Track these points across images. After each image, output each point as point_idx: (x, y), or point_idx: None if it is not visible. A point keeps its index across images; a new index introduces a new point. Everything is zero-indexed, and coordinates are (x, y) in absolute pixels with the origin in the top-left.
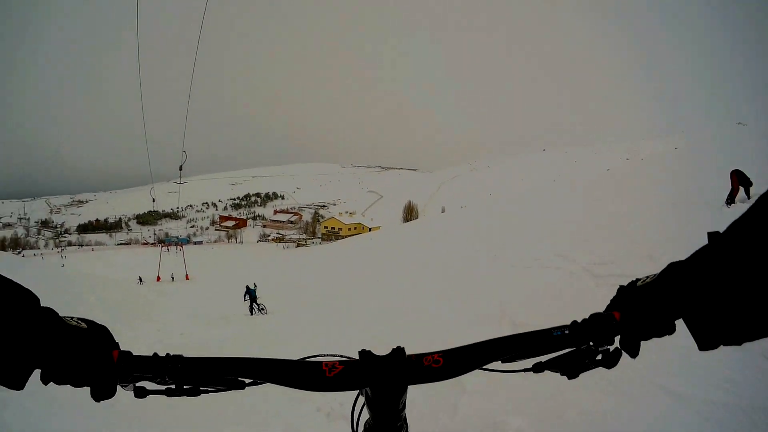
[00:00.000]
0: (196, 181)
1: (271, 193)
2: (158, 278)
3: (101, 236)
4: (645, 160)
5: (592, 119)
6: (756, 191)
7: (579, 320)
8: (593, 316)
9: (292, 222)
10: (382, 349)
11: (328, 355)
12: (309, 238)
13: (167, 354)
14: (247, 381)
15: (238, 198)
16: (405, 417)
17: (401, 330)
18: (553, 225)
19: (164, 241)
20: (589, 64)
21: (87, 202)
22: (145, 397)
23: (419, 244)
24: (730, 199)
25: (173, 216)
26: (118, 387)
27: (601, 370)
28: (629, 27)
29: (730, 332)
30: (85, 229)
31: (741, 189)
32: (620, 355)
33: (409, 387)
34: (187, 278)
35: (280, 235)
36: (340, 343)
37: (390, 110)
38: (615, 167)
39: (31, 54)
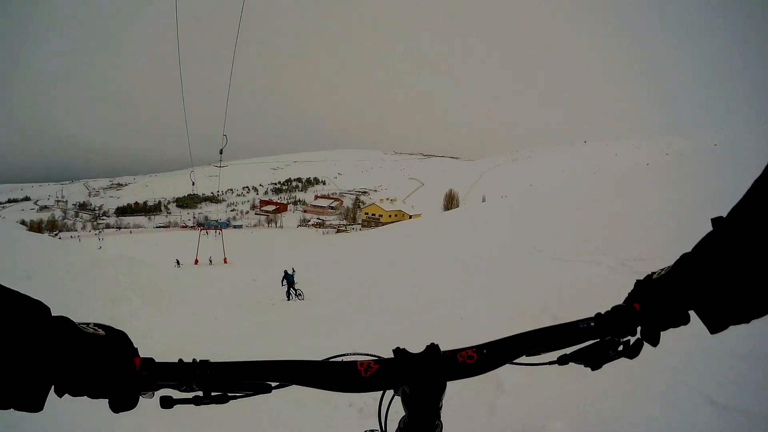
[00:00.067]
0: (237, 165)
1: (312, 179)
2: (196, 261)
3: (140, 219)
4: (684, 155)
5: (633, 113)
6: None
7: (602, 312)
8: (615, 308)
9: (332, 208)
10: (419, 342)
11: (353, 354)
12: (349, 224)
13: (194, 360)
14: (274, 384)
15: (279, 182)
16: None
17: (438, 322)
18: (592, 218)
19: (203, 225)
20: (636, 58)
21: (126, 185)
22: (171, 407)
23: (459, 234)
24: None
25: (213, 200)
26: (140, 397)
27: (626, 364)
28: (683, 23)
29: (738, 312)
30: (123, 212)
31: None
32: (642, 345)
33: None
34: (225, 262)
35: (320, 221)
36: (378, 334)
37: (434, 98)
38: (654, 161)
39: (70, 39)
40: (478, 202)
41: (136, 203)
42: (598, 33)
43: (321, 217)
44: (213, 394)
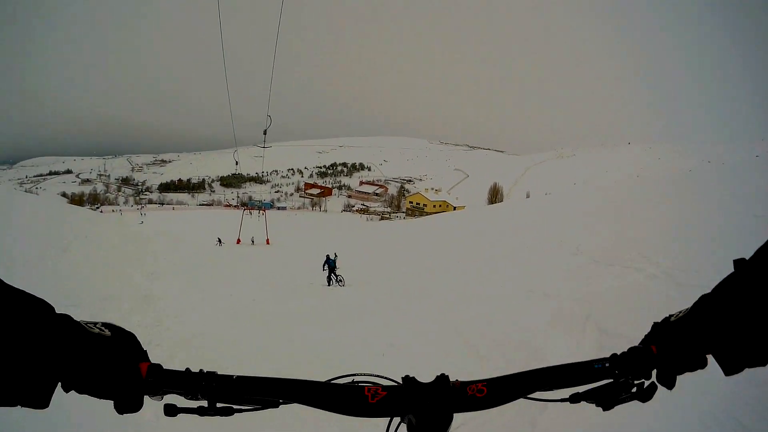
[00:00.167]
0: (283, 147)
1: (357, 164)
2: (238, 241)
3: (183, 196)
4: (726, 164)
5: (677, 117)
6: None
7: (618, 353)
8: (632, 349)
9: (377, 194)
10: (452, 343)
11: (360, 375)
12: (393, 212)
13: (201, 370)
14: (280, 400)
15: (324, 166)
16: None
17: (475, 324)
18: (635, 222)
19: (247, 204)
20: (684, 63)
21: (170, 161)
22: (175, 415)
23: (502, 229)
24: None
25: (258, 180)
26: (145, 398)
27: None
28: (733, 27)
29: (756, 355)
30: (166, 188)
31: None
32: (656, 389)
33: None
34: (267, 243)
35: (364, 207)
36: (415, 331)
37: (482, 89)
38: (696, 168)
39: (115, 15)
40: (522, 197)
41: (180, 180)
42: (653, 34)
43: (365, 203)
44: (218, 405)
